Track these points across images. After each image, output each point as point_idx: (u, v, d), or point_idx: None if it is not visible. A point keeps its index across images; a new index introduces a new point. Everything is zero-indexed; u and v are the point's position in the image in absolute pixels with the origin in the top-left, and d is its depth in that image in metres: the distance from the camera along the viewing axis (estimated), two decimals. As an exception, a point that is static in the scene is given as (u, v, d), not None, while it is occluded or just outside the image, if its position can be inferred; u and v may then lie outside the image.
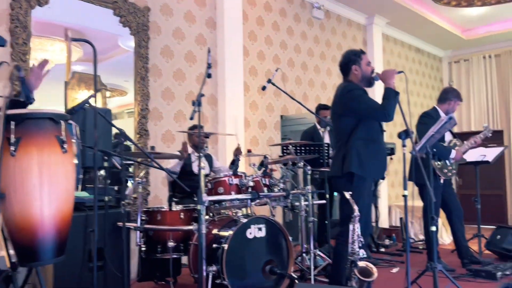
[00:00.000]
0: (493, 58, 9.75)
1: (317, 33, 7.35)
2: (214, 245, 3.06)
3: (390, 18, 8.23)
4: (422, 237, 6.79)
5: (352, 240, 2.70)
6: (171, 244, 3.27)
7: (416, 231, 7.03)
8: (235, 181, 3.29)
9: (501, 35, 9.12)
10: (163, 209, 3.37)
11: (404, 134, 2.85)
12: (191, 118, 2.76)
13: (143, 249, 3.38)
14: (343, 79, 3.27)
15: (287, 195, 3.46)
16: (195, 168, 4.14)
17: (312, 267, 3.58)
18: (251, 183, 3.28)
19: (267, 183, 3.52)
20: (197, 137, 4.23)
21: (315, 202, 3.94)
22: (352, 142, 3.01)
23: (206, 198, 3.00)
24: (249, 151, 3.52)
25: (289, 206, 4.09)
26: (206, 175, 3.40)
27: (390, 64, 8.81)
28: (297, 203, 3.84)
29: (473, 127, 9.77)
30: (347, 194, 2.79)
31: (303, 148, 4.24)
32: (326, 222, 4.04)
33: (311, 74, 7.17)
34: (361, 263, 2.62)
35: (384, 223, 7.50)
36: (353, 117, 3.04)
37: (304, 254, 3.79)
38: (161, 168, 2.90)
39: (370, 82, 3.18)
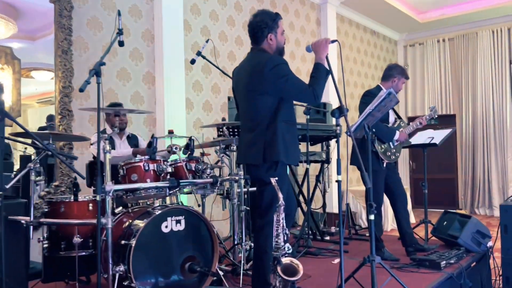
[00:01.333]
0: (447, 42, 9.62)
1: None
2: (123, 242, 2.62)
3: (344, -3, 7.90)
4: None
5: (276, 233, 2.33)
6: (76, 240, 2.80)
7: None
8: (152, 166, 2.84)
9: (455, 18, 8.98)
10: (67, 200, 2.89)
11: (337, 112, 2.47)
12: (81, 90, 2.27)
13: (45, 245, 2.89)
14: (252, 47, 2.80)
15: (215, 182, 3.04)
16: (117, 151, 3.66)
17: (243, 261, 3.20)
18: (169, 169, 2.84)
19: (193, 169, 3.09)
20: (115, 117, 3.74)
21: (250, 189, 3.55)
22: (276, 126, 2.61)
23: (110, 186, 2.55)
24: (170, 132, 3.07)
25: (224, 194, 3.70)
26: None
27: (344, 45, 8.51)
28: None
29: (427, 111, 9.67)
30: (273, 180, 2.40)
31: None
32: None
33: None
34: (285, 260, 2.26)
35: (335, 209, 7.26)
36: (276, 97, 2.62)
37: (236, 247, 3.40)
38: (46, 149, 2.41)
39: (281, 54, 2.77)
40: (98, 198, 2.41)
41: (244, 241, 3.30)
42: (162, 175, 2.85)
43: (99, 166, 2.42)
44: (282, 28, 2.77)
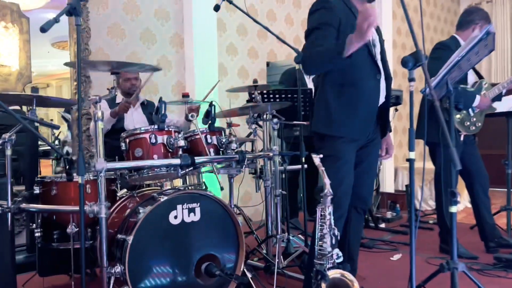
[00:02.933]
0: (521, -2, 8.28)
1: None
2: (119, 236, 2.00)
3: None
4: (432, 202, 5.72)
5: (320, 233, 1.62)
6: (71, 229, 2.22)
7: (426, 196, 5.95)
8: (161, 139, 2.18)
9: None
10: (58, 180, 2.30)
11: (412, 60, 1.66)
12: (43, 29, 1.61)
13: (37, 234, 2.34)
14: None
15: (241, 159, 2.35)
16: (128, 124, 3.03)
17: (278, 257, 2.53)
18: (181, 142, 2.16)
19: (215, 143, 2.41)
20: (125, 81, 3.10)
21: (288, 167, 2.83)
22: (323, 90, 2.02)
23: (102, 164, 1.92)
24: (184, 95, 2.39)
25: (257, 174, 3.00)
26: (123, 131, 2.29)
27: (399, 5, 7.42)
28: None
29: (494, 78, 8.45)
30: (316, 158, 1.67)
31: (277, 95, 3.09)
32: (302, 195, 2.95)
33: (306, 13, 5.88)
34: (334, 273, 1.55)
35: (389, 188, 6.41)
36: None
37: (272, 239, 2.72)
38: (24, 125, 1.78)
39: None
40: (80, 180, 1.79)
41: (279, 232, 2.61)
42: (174, 150, 2.19)
43: (80, 138, 1.79)
44: None
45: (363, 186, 2.14)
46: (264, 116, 2.61)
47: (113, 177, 2.41)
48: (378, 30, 2.13)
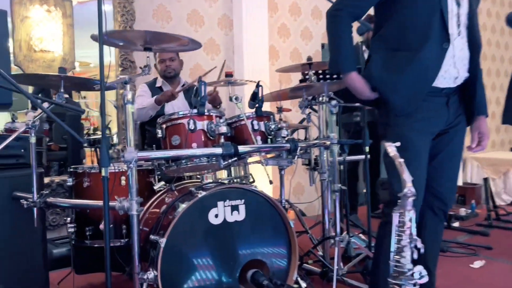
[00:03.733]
0: None
1: None
2: (152, 237, 1.71)
3: None
4: (507, 197, 5.06)
5: (397, 245, 1.23)
6: (103, 226, 1.98)
7: (498, 190, 5.30)
8: (200, 125, 1.87)
9: None
10: (91, 171, 2.06)
11: None
12: None
13: (70, 230, 2.12)
14: None
15: (293, 149, 1.99)
16: (169, 110, 2.76)
17: (337, 263, 2.15)
18: (223, 129, 1.83)
19: (262, 129, 2.06)
20: (160, 63, 2.83)
21: (347, 158, 2.43)
22: (374, 53, 1.72)
23: (132, 154, 1.65)
24: (228, 75, 2.06)
25: (312, 165, 2.62)
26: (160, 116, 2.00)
27: (481, 12, 6.61)
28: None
29: None
30: (389, 147, 1.28)
31: (335, 75, 2.69)
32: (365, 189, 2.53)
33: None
34: (416, 299, 1.16)
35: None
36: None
37: (329, 240, 2.35)
38: (44, 110, 1.52)
39: None
40: (103, 172, 1.52)
41: (338, 233, 2.24)
42: (216, 138, 1.87)
43: (103, 122, 1.52)
44: None
45: (441, 181, 1.71)
46: (320, 98, 2.23)
47: (151, 168, 2.14)
48: None
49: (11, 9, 3.18)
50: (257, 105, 2.07)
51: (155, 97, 2.64)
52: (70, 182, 2.13)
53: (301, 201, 4.11)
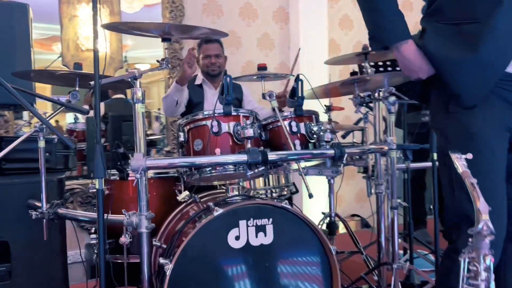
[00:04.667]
0: None
1: None
2: (161, 260, 1.44)
3: None
4: None
5: (466, 284, 0.83)
6: (125, 240, 1.75)
7: None
8: (225, 127, 1.57)
9: None
10: (112, 177, 1.84)
11: None
12: None
13: (93, 242, 1.93)
14: None
15: (338, 156, 1.62)
16: (208, 106, 2.50)
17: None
18: (249, 132, 1.51)
19: (303, 132, 1.71)
20: (204, 58, 2.55)
21: (411, 165, 1.98)
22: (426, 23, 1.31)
23: (140, 161, 1.39)
24: (261, 68, 1.73)
25: (369, 174, 2.20)
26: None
27: None
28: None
29: None
30: (460, 161, 0.88)
31: (397, 67, 2.25)
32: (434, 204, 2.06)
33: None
34: None
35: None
36: None
37: (385, 266, 1.93)
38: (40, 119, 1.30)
39: None
40: (97, 184, 1.27)
41: (396, 258, 1.82)
42: (242, 142, 1.56)
43: (98, 126, 1.27)
44: None
45: None
46: (376, 94, 1.82)
47: (176, 175, 1.89)
48: None
49: (60, 9, 3.12)
50: (296, 103, 1.73)
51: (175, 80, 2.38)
52: (92, 189, 1.93)
53: (365, 209, 3.67)
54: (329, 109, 2.09)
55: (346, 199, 3.95)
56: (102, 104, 3.67)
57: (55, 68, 3.13)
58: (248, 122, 1.56)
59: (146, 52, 3.59)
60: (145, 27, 1.63)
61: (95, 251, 1.94)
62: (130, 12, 3.51)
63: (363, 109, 2.11)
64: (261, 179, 1.99)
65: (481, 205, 0.81)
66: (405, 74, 1.33)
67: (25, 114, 3.07)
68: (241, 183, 1.84)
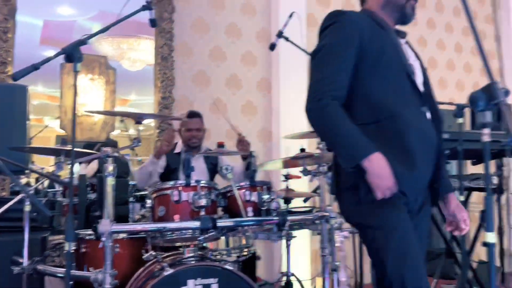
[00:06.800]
0: None
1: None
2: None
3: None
4: None
5: None
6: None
7: None
8: (185, 196, 1.83)
9: None
10: (88, 237, 2.08)
11: (484, 98, 1.03)
12: (14, 78, 1.39)
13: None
14: None
15: (282, 223, 1.86)
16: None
17: None
18: (202, 202, 1.77)
19: (256, 200, 1.97)
20: (186, 131, 2.83)
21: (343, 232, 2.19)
22: None
23: (106, 226, 1.64)
24: (220, 145, 2.02)
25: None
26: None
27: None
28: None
29: None
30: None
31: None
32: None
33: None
34: None
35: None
36: None
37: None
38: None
39: (402, 13, 1.53)
40: (66, 246, 1.52)
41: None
42: (197, 209, 1.82)
43: (70, 194, 1.54)
44: None
45: None
46: (320, 168, 2.10)
47: (144, 236, 2.12)
48: (417, 56, 1.57)
49: (61, 78, 3.49)
50: (250, 175, 2.00)
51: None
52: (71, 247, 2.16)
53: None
54: (287, 177, 2.35)
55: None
56: (95, 162, 3.96)
57: (53, 130, 3.47)
58: (202, 192, 1.83)
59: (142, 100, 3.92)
60: (121, 113, 1.93)
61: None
62: (132, 70, 3.89)
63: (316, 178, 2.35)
64: (223, 240, 2.22)
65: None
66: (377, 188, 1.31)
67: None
68: (205, 244, 2.08)
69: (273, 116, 4.28)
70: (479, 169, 3.36)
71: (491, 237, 1.11)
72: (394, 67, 1.46)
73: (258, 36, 4.31)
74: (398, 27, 1.58)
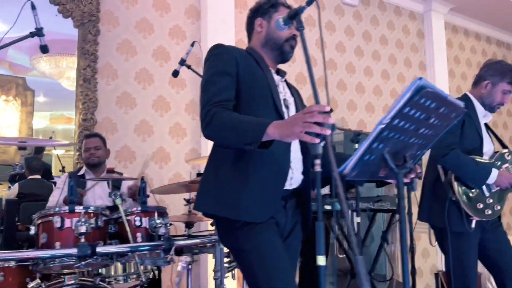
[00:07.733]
0: None
1: (350, 23, 5.61)
2: None
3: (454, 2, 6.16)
4: None
5: None
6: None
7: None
8: (68, 222, 1.81)
9: None
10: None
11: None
12: None
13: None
14: None
15: (168, 248, 1.87)
16: (88, 199, 2.72)
17: None
18: (83, 229, 1.75)
19: (146, 226, 1.98)
20: (85, 151, 2.83)
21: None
22: (211, 154, 1.64)
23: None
24: (109, 171, 2.02)
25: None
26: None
27: (459, 61, 6.67)
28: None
29: None
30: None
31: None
32: None
33: (342, 74, 5.42)
34: None
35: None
36: None
37: None
38: None
39: (280, 51, 1.66)
40: None
41: None
42: (77, 236, 1.80)
43: None
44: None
45: None
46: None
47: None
48: (294, 90, 1.71)
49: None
50: (141, 201, 2.01)
51: (65, 195, 2.60)
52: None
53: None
54: (188, 202, 2.38)
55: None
56: (16, 185, 3.82)
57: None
58: (83, 219, 1.81)
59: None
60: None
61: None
62: (72, 89, 3.79)
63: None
64: (119, 265, 2.20)
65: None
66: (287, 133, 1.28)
67: None
68: (100, 270, 2.05)
69: (202, 137, 4.31)
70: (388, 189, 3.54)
71: (321, 260, 1.18)
72: (262, 99, 1.54)
73: (188, 59, 4.36)
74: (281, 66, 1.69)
